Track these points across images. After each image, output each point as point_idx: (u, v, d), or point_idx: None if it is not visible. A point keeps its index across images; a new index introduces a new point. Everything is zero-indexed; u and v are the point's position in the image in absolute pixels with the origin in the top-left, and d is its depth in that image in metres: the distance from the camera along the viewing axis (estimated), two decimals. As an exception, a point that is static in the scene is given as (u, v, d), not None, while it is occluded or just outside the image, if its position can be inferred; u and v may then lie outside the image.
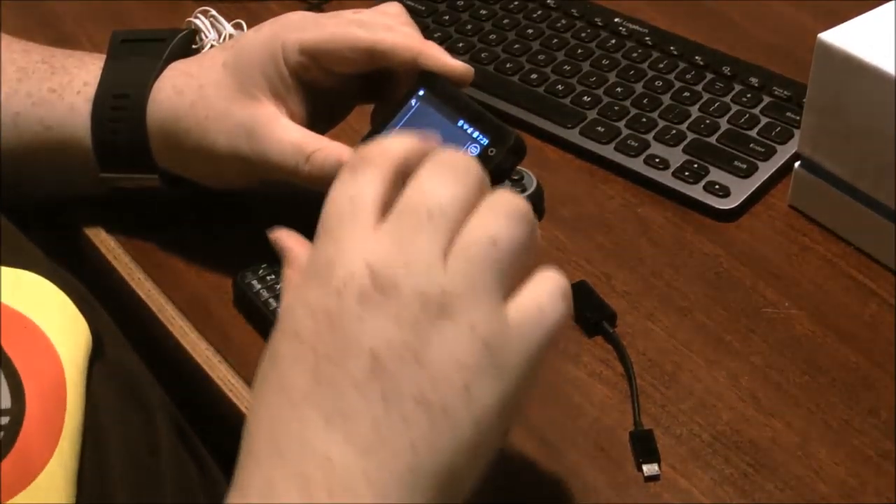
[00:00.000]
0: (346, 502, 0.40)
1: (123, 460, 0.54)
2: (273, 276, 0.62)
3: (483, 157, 0.55)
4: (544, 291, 0.44)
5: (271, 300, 0.61)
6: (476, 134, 0.55)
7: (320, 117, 0.64)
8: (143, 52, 0.64)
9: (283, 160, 0.60)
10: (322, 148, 0.60)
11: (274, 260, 0.59)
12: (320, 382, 0.41)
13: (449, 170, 0.44)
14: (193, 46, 0.68)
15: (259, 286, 0.62)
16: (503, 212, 0.43)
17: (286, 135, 0.60)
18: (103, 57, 0.65)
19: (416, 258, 0.42)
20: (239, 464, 0.42)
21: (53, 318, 0.54)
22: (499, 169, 0.55)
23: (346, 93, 0.64)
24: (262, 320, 0.61)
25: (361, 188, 0.44)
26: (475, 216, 0.43)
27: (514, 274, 0.43)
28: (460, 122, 0.56)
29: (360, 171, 0.44)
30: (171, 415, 0.59)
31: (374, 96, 0.64)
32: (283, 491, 0.40)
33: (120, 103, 0.63)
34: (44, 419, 0.49)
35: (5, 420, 0.48)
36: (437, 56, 0.59)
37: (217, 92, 0.61)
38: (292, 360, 0.42)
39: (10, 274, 0.55)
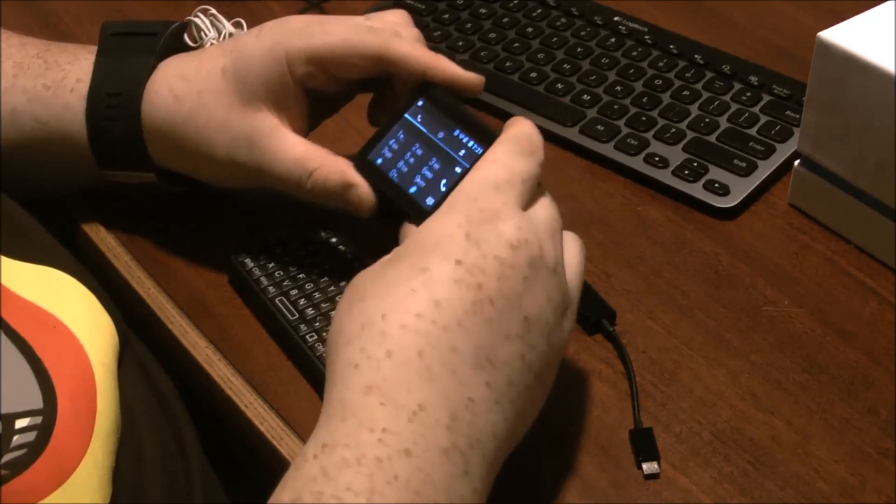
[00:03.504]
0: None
1: (157, 459, 0.54)
2: (266, 256, 0.63)
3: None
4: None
5: (263, 279, 0.62)
6: (471, 143, 0.56)
7: (318, 113, 0.64)
8: (134, 46, 0.63)
9: (286, 175, 0.59)
10: (324, 165, 0.59)
11: (268, 241, 0.63)
12: (478, 318, 0.47)
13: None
14: (194, 45, 0.68)
15: (252, 265, 0.63)
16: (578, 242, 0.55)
17: (288, 150, 0.59)
18: (95, 50, 0.64)
19: (568, 261, 0.52)
20: (367, 358, 0.46)
21: (81, 317, 0.54)
22: None
23: (346, 91, 0.64)
24: (253, 298, 0.62)
25: (522, 168, 0.51)
26: (569, 241, 0.54)
27: None
28: (456, 132, 0.56)
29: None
30: (189, 414, 0.59)
31: (371, 87, 0.63)
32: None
33: (113, 102, 0.62)
34: (75, 419, 0.49)
35: (38, 420, 0.48)
36: (448, 69, 0.58)
37: (217, 100, 0.60)
38: (452, 282, 0.47)
39: (38, 271, 0.55)
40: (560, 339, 0.50)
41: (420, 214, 0.56)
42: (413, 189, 0.57)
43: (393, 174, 0.58)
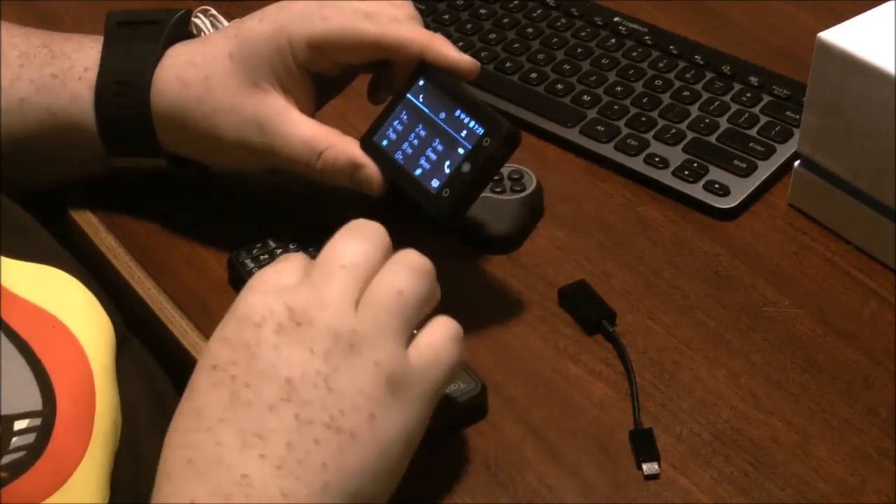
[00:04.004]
0: None
1: (156, 462, 0.54)
2: (266, 256, 0.63)
3: (477, 147, 0.55)
4: (440, 336, 0.49)
5: None
6: (472, 124, 0.56)
7: (324, 94, 0.64)
8: (140, 35, 0.64)
9: (295, 156, 0.61)
10: (333, 145, 0.60)
11: (267, 239, 0.63)
12: (237, 405, 0.45)
13: (359, 232, 0.49)
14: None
15: (252, 265, 0.62)
16: (408, 267, 0.48)
17: (297, 131, 0.60)
18: (101, 39, 0.65)
19: (330, 300, 0.47)
20: (155, 488, 0.45)
21: (81, 317, 0.54)
22: (492, 159, 0.55)
23: (349, 72, 0.64)
24: None
25: (283, 266, 0.49)
26: (384, 270, 0.48)
27: (415, 321, 0.48)
28: (457, 112, 0.57)
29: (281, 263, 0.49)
30: None
31: (373, 67, 0.64)
32: None
33: (122, 89, 0.63)
34: (74, 420, 0.49)
35: (37, 422, 0.48)
36: (443, 52, 0.59)
37: (225, 84, 0.61)
38: (210, 386, 0.46)
39: (37, 271, 0.55)
40: (352, 380, 0.46)
41: (426, 196, 0.57)
42: (418, 171, 0.57)
43: (398, 156, 0.59)
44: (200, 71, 0.62)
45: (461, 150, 0.56)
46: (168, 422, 0.57)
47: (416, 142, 0.58)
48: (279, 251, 0.63)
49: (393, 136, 0.59)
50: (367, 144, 0.60)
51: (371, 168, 0.60)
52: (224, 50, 0.61)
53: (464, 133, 0.56)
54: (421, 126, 0.58)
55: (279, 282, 0.48)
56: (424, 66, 0.59)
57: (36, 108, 0.64)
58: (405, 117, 0.59)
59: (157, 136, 0.63)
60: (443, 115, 0.57)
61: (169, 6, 0.66)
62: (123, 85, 0.63)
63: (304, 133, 0.60)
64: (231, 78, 0.61)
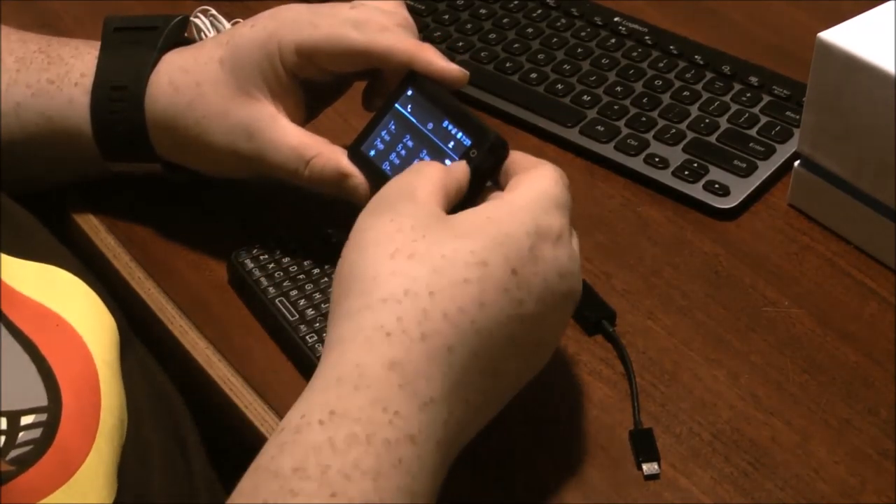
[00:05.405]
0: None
1: (160, 458, 0.54)
2: (266, 256, 0.63)
3: (464, 159, 0.55)
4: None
5: (263, 279, 0.62)
6: (459, 135, 0.56)
7: (316, 102, 0.64)
8: (136, 40, 0.64)
9: (283, 164, 0.60)
10: (321, 154, 0.60)
11: (267, 241, 0.63)
12: (506, 328, 0.48)
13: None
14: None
15: (252, 265, 0.62)
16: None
17: (285, 138, 0.60)
18: (98, 45, 0.65)
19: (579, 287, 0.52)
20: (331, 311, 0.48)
21: (84, 315, 0.54)
22: (478, 170, 0.55)
23: (342, 80, 0.64)
24: (253, 298, 0.62)
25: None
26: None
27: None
28: (445, 123, 0.57)
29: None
30: (189, 413, 0.59)
31: (366, 75, 0.64)
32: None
33: (118, 95, 0.63)
34: (80, 416, 0.50)
35: (42, 417, 0.48)
36: (431, 60, 0.59)
37: (215, 90, 0.61)
38: (502, 288, 0.47)
39: (40, 269, 0.55)
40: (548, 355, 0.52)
41: None
42: None
43: (386, 167, 0.58)
44: (192, 77, 0.62)
45: (448, 162, 0.56)
46: (170, 420, 0.58)
47: (403, 152, 0.58)
48: (279, 251, 0.63)
49: (381, 146, 0.59)
50: (355, 154, 0.60)
51: (358, 178, 0.59)
52: (215, 56, 0.61)
53: (451, 144, 0.56)
54: (408, 136, 0.58)
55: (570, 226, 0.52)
56: (413, 76, 0.59)
57: (32, 113, 0.64)
58: (393, 127, 0.59)
59: (150, 140, 0.63)
60: (430, 125, 0.57)
61: (171, 7, 0.66)
62: (119, 90, 0.63)
63: (292, 141, 0.60)
64: (221, 84, 0.61)
